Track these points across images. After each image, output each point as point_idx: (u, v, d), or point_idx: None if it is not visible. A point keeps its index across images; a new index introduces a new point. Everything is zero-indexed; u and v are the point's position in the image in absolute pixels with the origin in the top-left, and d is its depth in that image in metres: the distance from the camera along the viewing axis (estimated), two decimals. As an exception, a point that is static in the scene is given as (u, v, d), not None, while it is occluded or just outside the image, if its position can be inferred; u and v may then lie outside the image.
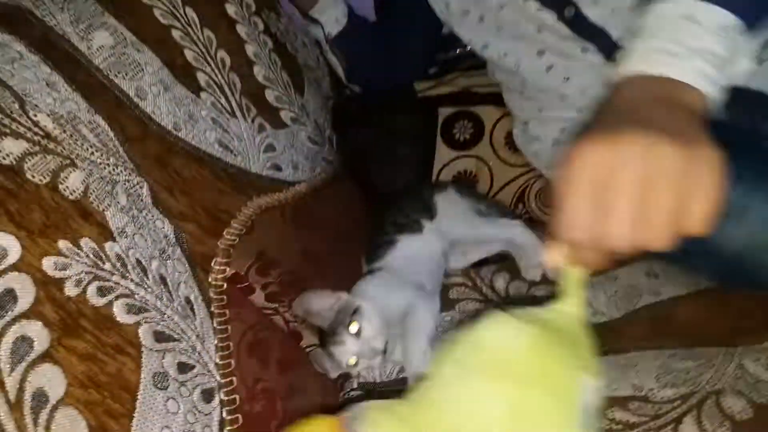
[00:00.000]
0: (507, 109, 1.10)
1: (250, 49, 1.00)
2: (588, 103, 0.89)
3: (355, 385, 0.84)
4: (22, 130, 0.54)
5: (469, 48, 1.08)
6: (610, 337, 0.78)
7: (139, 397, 0.51)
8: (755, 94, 0.86)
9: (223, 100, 0.87)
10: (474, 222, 0.98)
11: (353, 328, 0.76)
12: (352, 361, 0.76)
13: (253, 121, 0.91)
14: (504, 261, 0.99)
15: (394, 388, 0.80)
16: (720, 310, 0.77)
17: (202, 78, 0.86)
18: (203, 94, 0.84)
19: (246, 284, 0.75)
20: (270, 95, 0.99)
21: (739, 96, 0.86)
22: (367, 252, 0.95)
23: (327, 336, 0.77)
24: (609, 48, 0.86)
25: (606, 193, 0.43)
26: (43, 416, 0.45)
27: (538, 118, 0.99)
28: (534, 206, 1.13)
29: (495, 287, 0.94)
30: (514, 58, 0.96)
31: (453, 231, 0.97)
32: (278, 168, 0.91)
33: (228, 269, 0.71)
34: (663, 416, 0.64)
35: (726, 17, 0.55)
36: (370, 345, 0.76)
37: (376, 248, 0.94)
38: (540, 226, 1.04)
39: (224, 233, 0.73)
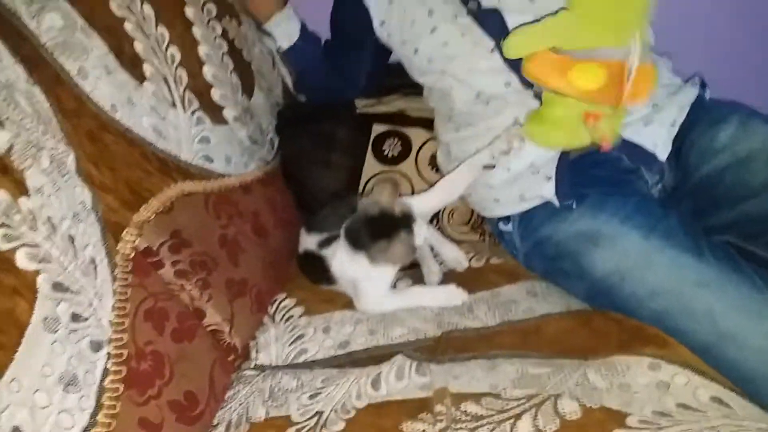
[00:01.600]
0: (435, 133, 1.20)
1: (202, 50, 1.07)
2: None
3: (252, 366, 0.90)
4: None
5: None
6: (482, 343, 0.86)
7: (26, 334, 0.58)
8: (636, 146, 0.97)
9: (165, 91, 0.95)
10: None
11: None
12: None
13: (192, 113, 0.98)
14: (411, 268, 1.07)
15: (288, 372, 0.87)
16: (582, 328, 0.86)
17: (148, 69, 0.93)
18: (147, 84, 0.91)
19: (157, 258, 0.81)
20: (215, 93, 1.07)
21: (625, 145, 0.97)
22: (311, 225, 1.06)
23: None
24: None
25: None
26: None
27: (457, 141, 1.09)
28: (446, 224, 1.22)
29: (397, 291, 1.02)
30: (448, 83, 1.06)
31: None
32: (210, 159, 0.98)
33: (138, 240, 0.77)
34: (507, 411, 0.72)
35: None
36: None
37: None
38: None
39: (141, 208, 0.80)
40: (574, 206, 0.94)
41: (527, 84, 0.98)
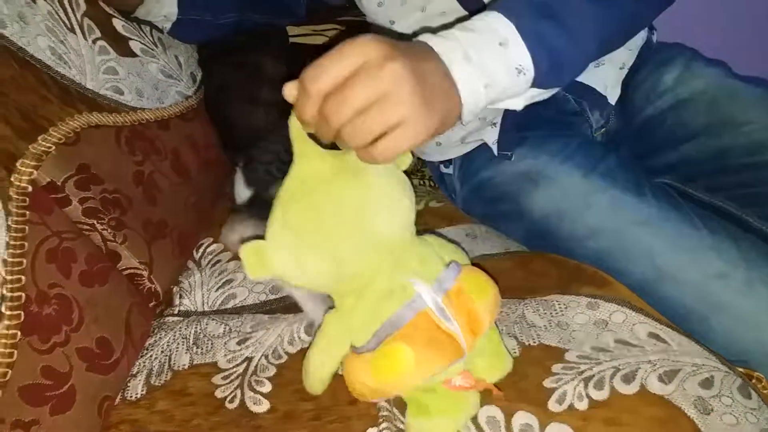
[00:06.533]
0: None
1: (99, -21, 0.95)
2: None
3: (175, 312, 0.84)
4: None
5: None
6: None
7: None
8: (588, 87, 0.94)
9: (62, 14, 0.83)
10: None
11: None
12: None
13: (94, 42, 0.88)
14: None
15: (215, 318, 0.81)
16: (520, 269, 0.84)
17: (40, -15, 0.82)
18: (40, 2, 0.80)
19: (62, 195, 0.72)
20: (117, 24, 0.95)
21: (575, 86, 0.94)
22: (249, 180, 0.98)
23: None
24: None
25: (357, 77, 0.48)
26: None
27: None
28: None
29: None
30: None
31: None
32: (119, 91, 0.88)
33: (37, 173, 0.69)
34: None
35: (528, 65, 0.60)
36: None
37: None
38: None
39: (39, 138, 0.71)
40: (512, 159, 0.91)
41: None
